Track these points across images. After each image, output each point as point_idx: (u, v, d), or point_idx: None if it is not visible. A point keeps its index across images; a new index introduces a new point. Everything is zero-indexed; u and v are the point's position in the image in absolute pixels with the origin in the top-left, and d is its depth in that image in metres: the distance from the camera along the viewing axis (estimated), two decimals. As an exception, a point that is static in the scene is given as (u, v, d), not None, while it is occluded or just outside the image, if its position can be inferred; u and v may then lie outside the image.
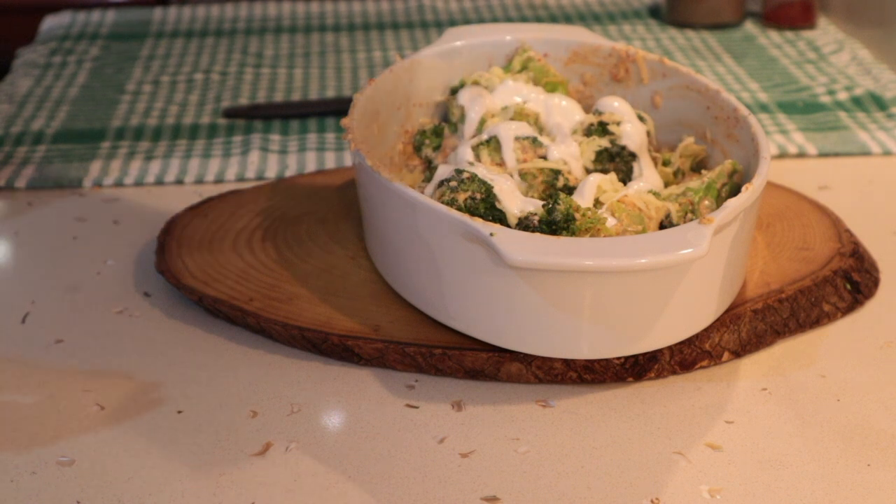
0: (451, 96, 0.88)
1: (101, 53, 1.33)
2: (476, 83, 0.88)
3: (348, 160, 1.03)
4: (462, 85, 0.88)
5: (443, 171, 0.76)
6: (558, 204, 0.70)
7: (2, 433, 0.68)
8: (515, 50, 0.91)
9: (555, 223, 0.70)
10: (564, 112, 0.85)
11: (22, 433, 0.68)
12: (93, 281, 0.84)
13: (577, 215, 0.70)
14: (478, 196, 0.73)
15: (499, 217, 0.72)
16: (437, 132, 0.86)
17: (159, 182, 1.00)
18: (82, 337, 0.77)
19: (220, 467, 0.65)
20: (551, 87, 0.89)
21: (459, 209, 0.72)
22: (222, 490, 0.64)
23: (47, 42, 1.37)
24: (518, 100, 0.86)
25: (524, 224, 0.71)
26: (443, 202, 0.72)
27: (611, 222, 0.72)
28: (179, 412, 0.70)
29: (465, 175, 0.74)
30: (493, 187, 0.73)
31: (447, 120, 0.88)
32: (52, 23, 1.44)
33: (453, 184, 0.73)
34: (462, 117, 0.85)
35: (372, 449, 0.67)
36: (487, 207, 0.72)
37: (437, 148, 0.86)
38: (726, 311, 0.74)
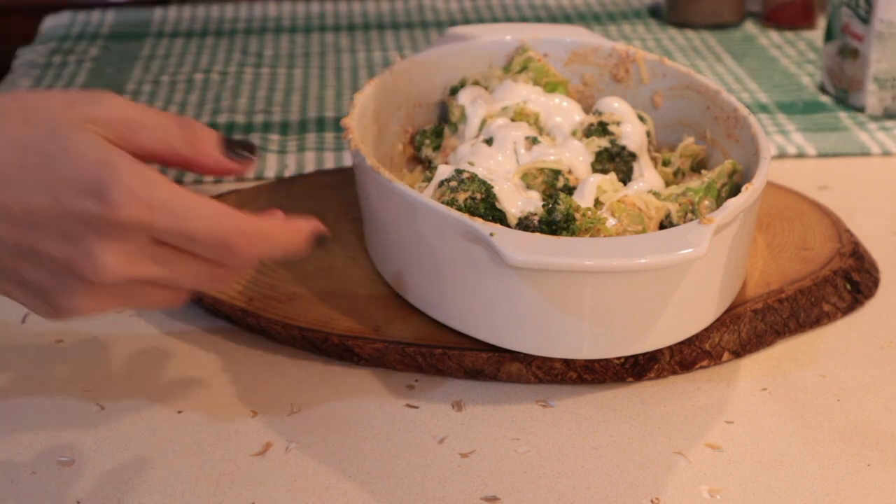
0: (451, 96, 0.88)
1: (101, 53, 1.33)
2: (476, 83, 0.88)
3: (348, 160, 1.03)
4: (462, 85, 0.88)
5: (443, 171, 0.76)
6: (558, 204, 0.70)
7: (1, 433, 0.68)
8: (516, 50, 0.91)
9: (555, 223, 0.70)
10: (564, 112, 0.85)
11: (22, 433, 0.68)
12: (93, 281, 0.84)
13: (578, 215, 0.70)
14: (478, 196, 0.73)
15: (499, 217, 0.72)
16: (438, 132, 0.86)
17: (159, 182, 1.00)
18: (82, 337, 0.77)
19: (220, 467, 0.65)
20: (551, 88, 0.89)
21: (459, 209, 0.72)
22: (222, 490, 0.64)
23: (47, 42, 1.37)
24: (518, 100, 0.86)
25: (524, 224, 0.71)
26: (443, 202, 0.72)
27: (611, 222, 0.72)
28: (179, 412, 0.70)
29: (465, 175, 0.74)
30: (492, 187, 0.73)
31: (447, 120, 0.88)
32: (52, 23, 1.44)
33: (453, 184, 0.73)
34: (462, 117, 0.85)
35: (372, 449, 0.67)
36: (487, 207, 0.72)
37: (437, 148, 0.86)
38: (726, 311, 0.74)
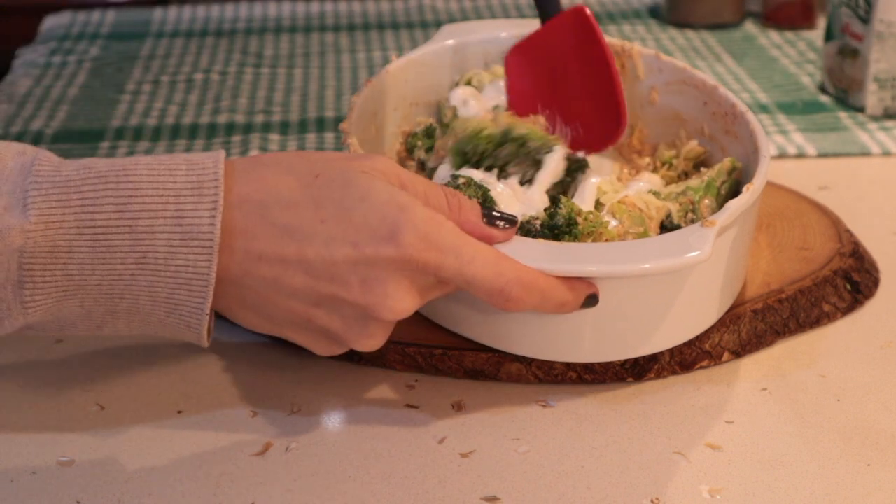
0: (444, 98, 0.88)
1: (101, 53, 1.33)
2: (469, 83, 0.88)
3: (348, 160, 1.03)
4: (468, 83, 0.87)
5: (442, 174, 0.76)
6: (560, 208, 0.70)
7: (2, 433, 0.68)
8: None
9: (557, 227, 0.70)
10: None
11: (22, 433, 0.68)
12: (93, 281, 0.84)
13: (580, 219, 0.70)
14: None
15: None
16: (429, 133, 0.85)
17: (159, 182, 1.00)
18: (82, 337, 0.77)
19: (220, 467, 0.65)
20: None
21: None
22: (222, 490, 0.64)
23: (47, 42, 1.37)
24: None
25: (526, 228, 0.71)
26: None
27: (612, 224, 0.72)
28: (179, 412, 0.70)
29: (461, 180, 0.73)
30: (489, 191, 0.72)
31: (440, 120, 0.88)
32: (52, 23, 1.44)
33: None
34: (455, 118, 0.85)
35: (372, 449, 0.67)
36: None
37: (429, 150, 0.85)
38: (726, 312, 0.74)
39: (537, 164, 0.76)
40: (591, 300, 0.65)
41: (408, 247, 0.60)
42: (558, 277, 0.64)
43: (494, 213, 0.65)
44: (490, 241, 0.64)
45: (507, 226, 0.65)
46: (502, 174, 0.76)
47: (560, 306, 0.65)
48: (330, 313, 0.62)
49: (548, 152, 0.76)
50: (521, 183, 0.75)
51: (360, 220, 0.60)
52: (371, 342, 0.63)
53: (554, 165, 0.76)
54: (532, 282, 0.63)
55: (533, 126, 0.78)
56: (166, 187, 0.59)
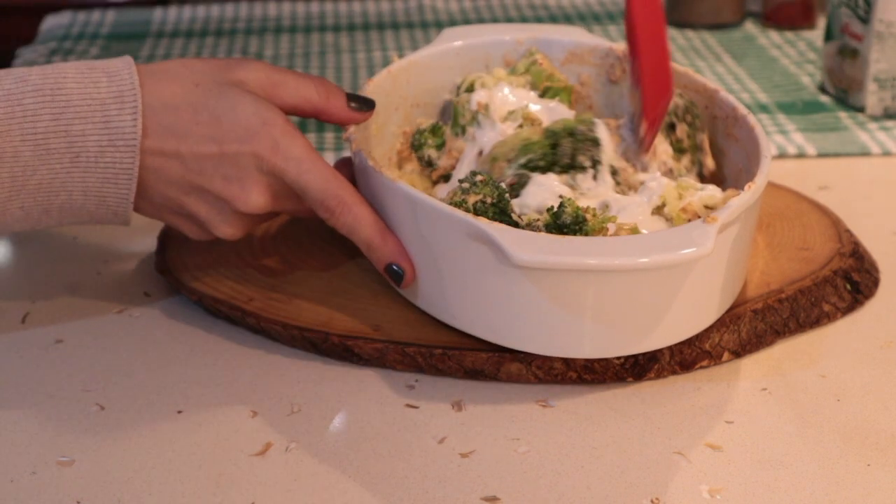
0: (459, 97, 0.86)
1: (101, 53, 1.33)
2: (471, 85, 0.87)
3: (348, 160, 1.03)
4: (471, 86, 0.87)
5: (462, 174, 0.76)
6: (565, 207, 0.70)
7: (2, 433, 0.68)
8: (524, 53, 0.90)
9: (565, 226, 0.70)
10: (554, 116, 0.84)
11: (22, 433, 0.68)
12: (93, 281, 0.84)
13: (588, 216, 0.70)
14: (489, 200, 0.71)
15: (511, 225, 0.71)
16: (435, 131, 0.85)
17: (159, 182, 1.00)
18: (82, 337, 0.77)
19: (220, 467, 0.65)
20: (554, 93, 0.88)
21: (468, 211, 0.71)
22: (222, 490, 0.64)
23: (47, 42, 1.37)
24: (519, 104, 0.85)
25: (531, 230, 0.70)
26: (453, 203, 0.71)
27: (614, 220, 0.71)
28: (179, 412, 0.70)
29: (479, 178, 0.72)
30: (506, 192, 0.72)
31: (454, 121, 0.86)
32: (52, 23, 1.44)
33: (465, 185, 0.72)
34: (473, 121, 0.84)
35: (372, 449, 0.67)
36: (497, 213, 0.71)
37: (440, 146, 0.84)
38: (726, 311, 0.74)
39: (595, 142, 0.78)
40: (393, 271, 0.73)
41: (260, 148, 0.71)
42: (384, 226, 0.73)
43: (355, 98, 0.77)
44: (354, 121, 0.77)
45: (364, 108, 0.77)
46: (578, 168, 0.77)
47: (367, 245, 0.73)
48: (198, 201, 0.72)
49: (594, 124, 0.79)
50: (594, 166, 0.77)
51: (227, 126, 0.71)
52: (230, 230, 0.74)
53: (607, 134, 0.78)
54: (350, 204, 0.73)
55: (566, 118, 0.80)
56: (93, 97, 0.69)
